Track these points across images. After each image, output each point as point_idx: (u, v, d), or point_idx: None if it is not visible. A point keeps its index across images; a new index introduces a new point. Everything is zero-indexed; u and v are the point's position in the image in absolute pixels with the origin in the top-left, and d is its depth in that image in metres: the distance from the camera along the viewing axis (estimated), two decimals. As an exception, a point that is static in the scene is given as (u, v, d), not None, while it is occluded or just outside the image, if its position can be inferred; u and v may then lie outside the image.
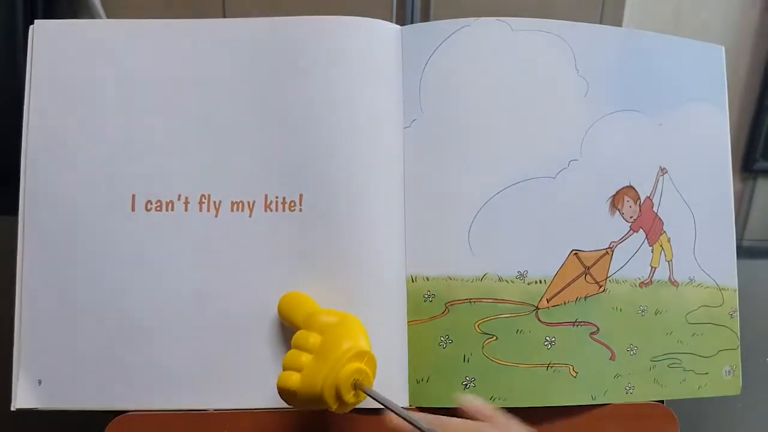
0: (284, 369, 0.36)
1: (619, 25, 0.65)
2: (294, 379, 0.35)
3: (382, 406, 0.34)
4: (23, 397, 0.42)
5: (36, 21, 0.43)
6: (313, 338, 0.36)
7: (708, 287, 0.45)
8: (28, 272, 0.42)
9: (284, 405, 0.40)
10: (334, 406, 0.35)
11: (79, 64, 0.42)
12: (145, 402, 0.41)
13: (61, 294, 0.42)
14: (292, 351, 0.37)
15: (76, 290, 0.42)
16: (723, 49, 0.46)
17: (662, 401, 0.44)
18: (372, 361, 0.37)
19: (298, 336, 0.37)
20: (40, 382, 0.42)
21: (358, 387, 0.35)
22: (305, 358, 0.36)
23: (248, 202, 0.41)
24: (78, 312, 0.42)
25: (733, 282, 0.46)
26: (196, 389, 0.41)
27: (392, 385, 0.42)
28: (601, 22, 0.65)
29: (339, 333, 0.37)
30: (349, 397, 0.35)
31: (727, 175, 0.46)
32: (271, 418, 0.41)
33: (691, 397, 0.45)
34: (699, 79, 0.46)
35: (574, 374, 0.43)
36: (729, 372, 0.45)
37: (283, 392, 0.36)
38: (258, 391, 0.41)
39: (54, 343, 0.42)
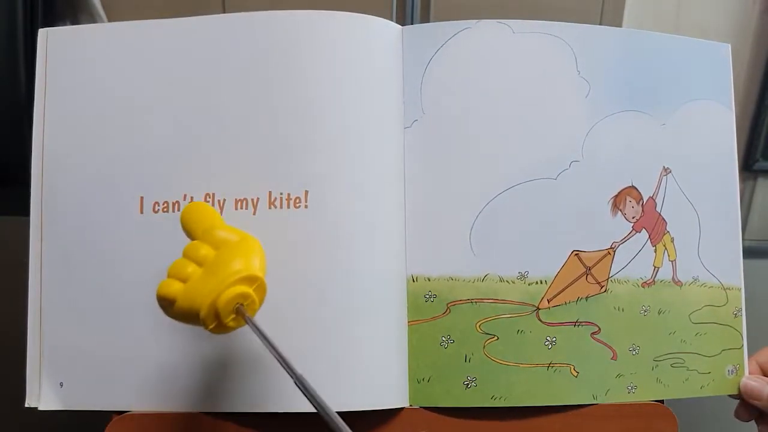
0: (168, 276, 0.34)
1: (619, 25, 0.65)
2: (175, 288, 0.33)
3: (258, 336, 0.33)
4: (46, 399, 0.42)
5: (48, 29, 0.43)
6: (205, 250, 0.34)
7: (712, 287, 0.45)
8: (47, 277, 0.43)
9: (287, 409, 0.40)
10: (210, 326, 0.33)
11: (89, 69, 0.43)
12: (161, 403, 0.41)
13: (77, 297, 0.42)
14: (180, 259, 0.34)
15: (91, 293, 0.42)
16: (729, 46, 0.46)
17: (662, 401, 0.44)
18: (262, 289, 0.34)
19: (190, 245, 0.34)
20: (61, 385, 0.42)
21: (239, 313, 0.33)
22: (192, 269, 0.33)
23: (252, 200, 0.41)
24: (94, 315, 0.42)
25: (738, 281, 0.46)
26: (205, 391, 0.41)
27: (393, 385, 0.42)
28: (600, 22, 0.65)
29: (233, 252, 0.34)
30: (228, 320, 0.33)
31: (733, 173, 0.46)
32: (273, 420, 0.41)
33: (693, 396, 0.45)
34: (704, 78, 0.46)
35: (575, 374, 0.43)
36: (732, 371, 0.45)
37: (161, 300, 0.33)
38: (264, 393, 0.41)
39: (73, 345, 0.42)
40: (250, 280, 0.33)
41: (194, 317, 0.33)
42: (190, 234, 0.37)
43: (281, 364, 0.32)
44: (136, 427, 0.41)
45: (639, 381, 0.44)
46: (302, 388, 0.30)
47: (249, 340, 0.41)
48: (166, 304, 0.33)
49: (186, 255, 0.34)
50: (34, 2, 0.59)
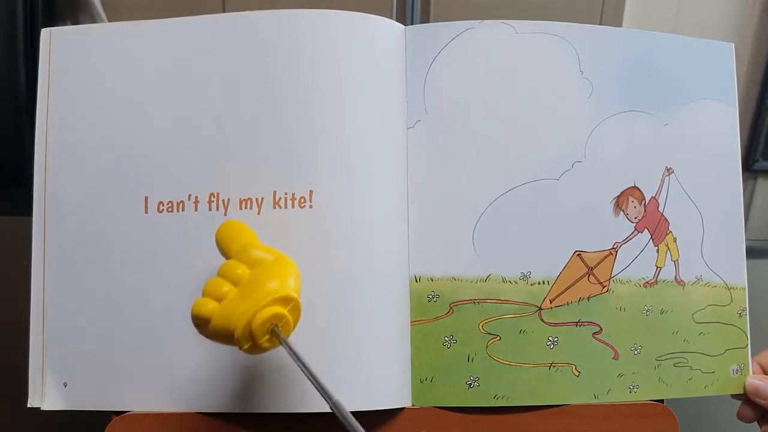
0: (203, 295, 0.33)
1: (619, 25, 0.65)
2: (210, 308, 0.32)
3: (293, 359, 0.32)
4: (50, 399, 0.42)
5: (51, 29, 0.43)
6: (241, 270, 0.34)
7: (716, 286, 0.45)
8: (51, 277, 0.43)
9: (287, 410, 0.40)
10: (245, 346, 0.33)
11: (92, 69, 0.43)
12: (165, 403, 0.41)
13: (81, 297, 0.42)
14: (215, 278, 0.34)
15: (95, 294, 0.42)
16: (732, 46, 0.46)
17: (662, 400, 0.44)
18: (297, 310, 0.34)
19: (226, 264, 0.34)
20: (65, 385, 0.42)
21: (274, 334, 0.32)
22: (227, 288, 0.33)
23: (257, 199, 0.41)
24: (97, 315, 0.42)
25: (742, 281, 0.46)
26: (210, 391, 0.41)
27: (395, 385, 0.42)
28: (601, 22, 0.65)
29: (269, 271, 0.34)
30: (263, 341, 0.32)
31: (737, 172, 0.46)
32: (272, 420, 0.41)
33: (697, 395, 0.45)
34: (707, 78, 0.46)
35: (577, 373, 0.43)
36: (737, 371, 0.45)
37: (196, 319, 0.33)
38: (265, 394, 0.41)
39: (76, 345, 0.42)
40: (285, 300, 0.33)
41: (229, 337, 0.32)
42: (225, 252, 0.37)
43: (316, 387, 0.31)
44: (135, 427, 0.41)
45: (641, 380, 0.44)
46: (339, 414, 0.30)
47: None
48: (201, 323, 0.33)
49: (221, 274, 0.34)
50: (34, 2, 0.59)
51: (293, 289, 0.34)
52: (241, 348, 0.33)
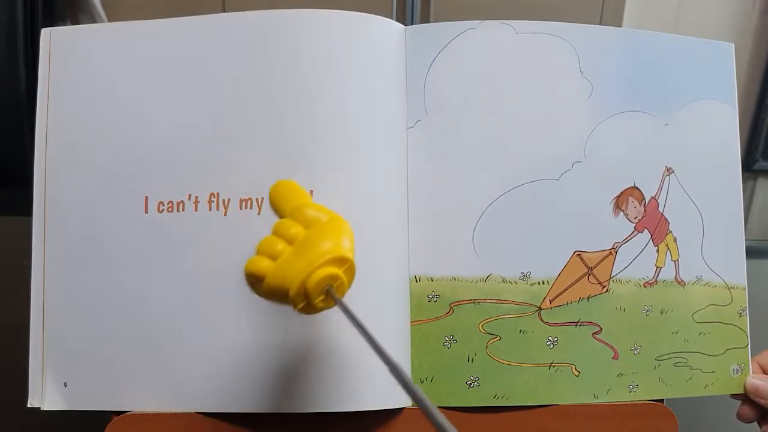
0: (257, 253, 0.33)
1: (619, 25, 0.65)
2: (265, 265, 0.32)
3: (348, 317, 0.32)
4: (50, 399, 0.42)
5: (51, 29, 0.43)
6: (296, 229, 0.33)
7: (716, 286, 0.45)
8: (51, 277, 0.43)
9: (291, 410, 0.40)
10: (299, 305, 0.32)
11: (92, 69, 0.43)
12: (166, 403, 0.41)
13: (81, 298, 0.42)
14: (269, 236, 0.34)
15: (95, 294, 0.42)
16: (732, 46, 0.46)
17: (662, 400, 0.44)
18: (351, 271, 0.33)
19: (281, 223, 0.34)
20: (65, 385, 0.42)
21: (329, 294, 0.32)
22: (282, 246, 0.33)
23: (256, 199, 0.41)
24: (97, 315, 0.42)
25: (742, 280, 0.46)
26: (210, 391, 0.41)
27: (395, 385, 0.42)
28: (600, 22, 0.65)
29: (324, 231, 0.34)
30: (317, 301, 0.32)
31: (737, 172, 0.46)
32: (274, 422, 0.41)
33: (697, 395, 0.45)
34: (707, 78, 0.46)
35: (577, 373, 0.43)
36: (737, 370, 0.45)
37: (250, 276, 0.33)
38: (264, 394, 0.41)
39: (77, 345, 0.42)
40: (341, 261, 0.33)
41: (283, 296, 0.32)
42: (278, 211, 0.36)
43: (373, 347, 0.30)
44: (135, 427, 0.41)
45: (641, 380, 0.44)
46: (396, 375, 0.29)
47: (249, 341, 0.41)
48: (254, 281, 0.33)
49: (276, 232, 0.34)
50: (34, 2, 0.59)
51: (348, 249, 0.33)
52: (295, 307, 0.32)
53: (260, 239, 0.34)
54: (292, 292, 0.32)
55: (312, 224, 0.34)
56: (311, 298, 0.32)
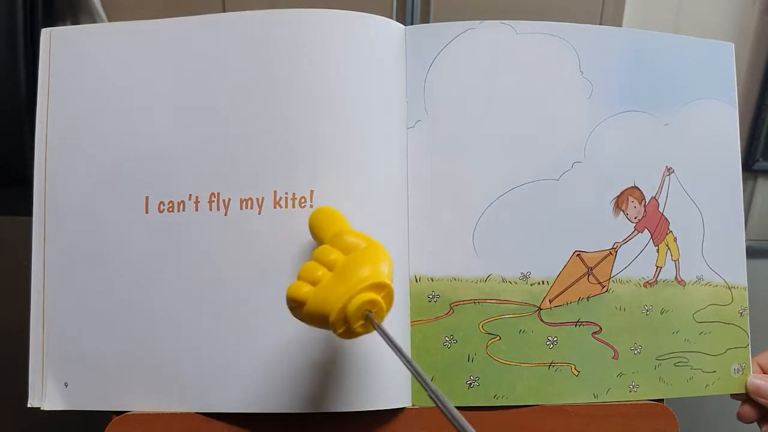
0: (298, 278, 0.34)
1: (619, 25, 0.65)
2: (306, 291, 0.33)
3: (388, 343, 0.32)
4: (51, 399, 0.42)
5: (52, 28, 0.43)
6: (335, 255, 0.34)
7: (717, 286, 0.45)
8: (51, 277, 0.43)
9: (290, 410, 0.40)
10: (339, 330, 0.33)
11: (92, 69, 0.43)
12: (166, 404, 0.41)
13: (82, 298, 0.42)
14: (310, 262, 0.34)
15: (95, 294, 0.42)
16: (732, 45, 0.46)
17: (662, 400, 0.44)
18: (390, 297, 0.34)
19: (321, 249, 0.35)
20: (66, 385, 0.42)
21: (368, 319, 0.33)
22: (322, 272, 0.34)
23: (257, 199, 0.41)
24: (98, 315, 0.42)
25: (742, 280, 0.46)
26: (210, 391, 0.41)
27: (395, 385, 0.42)
28: (600, 22, 0.65)
29: (363, 257, 0.34)
30: (357, 326, 0.33)
31: (737, 171, 0.46)
32: (274, 423, 0.41)
33: (697, 395, 0.45)
34: (707, 78, 0.46)
35: (576, 373, 0.43)
36: (738, 370, 0.45)
37: (291, 301, 0.34)
38: (264, 394, 0.41)
39: (77, 345, 0.42)
40: (379, 287, 0.33)
41: (324, 321, 0.33)
42: (318, 237, 0.37)
43: (411, 371, 0.31)
44: (135, 427, 0.41)
45: (641, 380, 0.44)
46: (434, 398, 0.29)
47: (248, 341, 0.41)
48: (296, 306, 0.34)
49: (316, 258, 0.34)
50: (34, 2, 0.59)
51: (387, 275, 0.34)
52: (335, 332, 0.33)
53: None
54: (332, 317, 0.32)
55: (351, 250, 0.35)
56: (351, 324, 0.33)
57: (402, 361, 0.31)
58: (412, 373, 0.31)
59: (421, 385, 0.30)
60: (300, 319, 0.34)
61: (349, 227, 0.38)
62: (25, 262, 0.43)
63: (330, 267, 0.34)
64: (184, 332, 0.41)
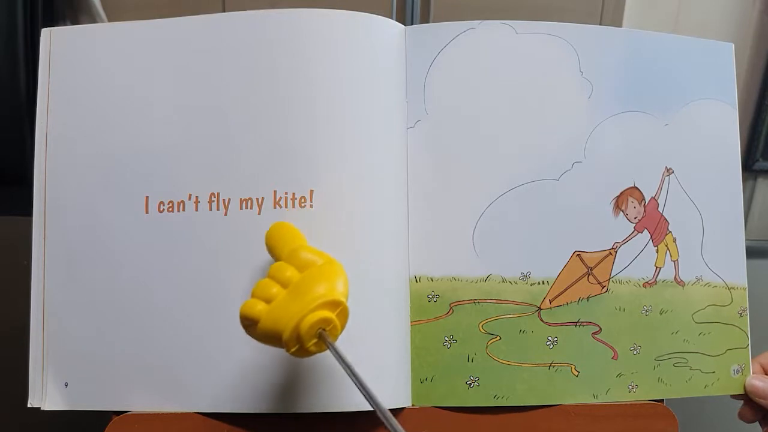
0: (252, 296, 0.34)
1: (619, 25, 0.65)
2: (259, 309, 0.33)
3: (340, 363, 0.32)
4: (51, 399, 0.42)
5: (52, 28, 0.43)
6: (291, 272, 0.34)
7: (716, 286, 0.45)
8: (51, 277, 0.43)
9: (289, 410, 0.40)
10: (291, 349, 0.33)
11: (92, 69, 0.43)
12: (167, 403, 0.41)
13: (82, 298, 0.42)
14: (265, 280, 0.34)
15: (95, 294, 0.42)
16: (732, 45, 0.46)
17: (662, 400, 0.44)
18: (344, 315, 0.34)
19: (276, 267, 0.35)
20: (66, 385, 0.42)
21: (321, 338, 0.33)
22: (276, 290, 0.33)
23: (257, 199, 0.41)
24: (98, 315, 0.42)
25: (742, 280, 0.46)
26: (210, 391, 0.41)
27: (395, 385, 0.42)
28: (600, 22, 0.65)
29: (318, 275, 0.34)
30: (310, 344, 0.33)
31: (737, 172, 0.46)
32: (274, 423, 0.41)
33: (697, 395, 0.45)
34: (707, 78, 0.46)
35: (576, 373, 0.43)
36: (737, 371, 0.45)
37: (244, 320, 0.33)
38: (263, 394, 0.41)
39: (77, 345, 0.42)
40: (334, 305, 0.33)
41: (276, 339, 0.33)
42: (274, 254, 0.37)
43: (362, 392, 0.31)
44: (135, 427, 0.41)
45: (640, 380, 0.44)
46: (385, 419, 0.30)
47: (248, 341, 0.41)
48: (249, 324, 0.34)
49: (271, 275, 0.34)
50: (34, 2, 0.59)
51: (342, 293, 0.34)
52: (288, 350, 0.33)
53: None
54: (285, 336, 0.32)
55: (307, 267, 0.34)
56: (304, 342, 0.32)
57: (354, 382, 0.31)
58: (364, 396, 0.31)
59: (370, 403, 0.30)
60: (253, 337, 0.34)
61: (306, 244, 0.37)
62: (25, 262, 0.43)
63: (285, 284, 0.34)
64: (184, 332, 0.41)
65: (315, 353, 0.33)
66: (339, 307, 0.33)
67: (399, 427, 0.29)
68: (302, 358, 0.34)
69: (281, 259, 0.36)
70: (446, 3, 0.65)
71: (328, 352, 0.33)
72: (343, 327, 0.34)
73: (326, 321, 0.33)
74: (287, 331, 0.32)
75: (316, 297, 0.32)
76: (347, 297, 0.34)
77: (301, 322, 0.32)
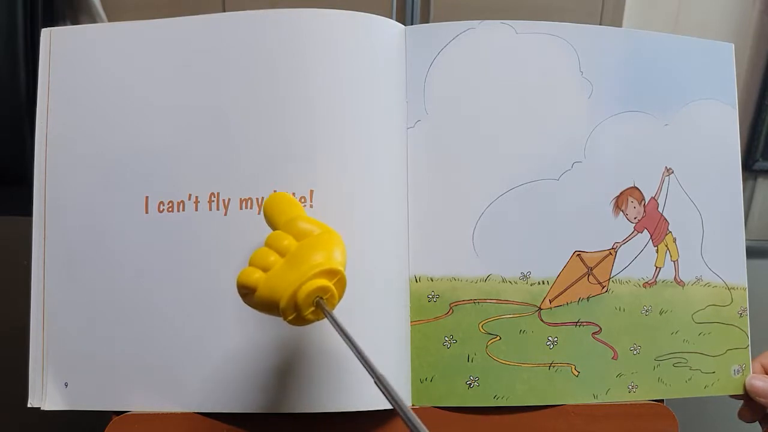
0: (249, 264, 0.33)
1: (619, 25, 0.65)
2: (256, 277, 0.33)
3: (337, 330, 0.32)
4: (51, 399, 0.42)
5: (52, 29, 0.43)
6: (288, 241, 0.34)
7: (716, 286, 0.45)
8: (51, 277, 0.43)
9: (288, 410, 0.40)
10: (289, 317, 0.33)
11: (92, 69, 0.43)
12: (167, 403, 0.41)
13: (81, 298, 0.42)
14: (262, 248, 0.34)
15: (95, 294, 0.42)
16: (732, 46, 0.46)
17: (662, 400, 0.44)
18: (342, 283, 0.34)
19: (273, 235, 0.34)
20: (66, 385, 0.42)
21: (319, 306, 0.32)
22: (274, 258, 0.33)
23: (257, 199, 0.41)
24: (98, 315, 0.42)
25: (742, 281, 0.46)
26: (210, 391, 0.41)
27: (395, 384, 0.42)
28: (600, 22, 0.65)
29: (316, 244, 0.34)
30: (307, 313, 0.32)
31: (737, 172, 0.46)
32: (273, 423, 0.41)
33: (697, 396, 0.45)
34: (707, 78, 0.46)
35: (576, 373, 0.43)
36: (738, 371, 0.45)
37: (242, 288, 0.33)
38: (264, 394, 0.41)
39: (77, 346, 0.42)
40: (331, 273, 0.33)
41: (274, 307, 0.32)
42: (272, 224, 0.37)
43: (360, 360, 0.31)
44: (135, 427, 0.41)
45: (640, 380, 0.44)
46: (382, 388, 0.29)
47: (248, 341, 0.41)
48: (246, 292, 0.33)
49: (268, 244, 0.34)
50: (34, 2, 0.59)
51: (339, 262, 0.34)
52: (285, 319, 0.33)
53: (255, 248, 0.34)
54: (282, 303, 0.32)
55: (304, 236, 0.34)
56: (301, 310, 0.32)
57: (352, 350, 0.31)
58: (362, 364, 0.30)
59: (368, 371, 0.30)
60: (251, 306, 0.34)
61: (304, 213, 0.37)
62: (25, 262, 0.43)
63: (282, 253, 0.33)
64: (184, 332, 0.41)
65: (312, 321, 0.33)
66: (337, 275, 0.33)
67: (399, 397, 0.28)
68: (300, 326, 0.34)
69: (279, 228, 0.36)
70: (446, 3, 0.65)
71: (326, 322, 0.33)
72: (340, 296, 0.34)
73: (324, 289, 0.32)
74: (284, 299, 0.32)
75: (314, 265, 0.32)
76: (345, 266, 0.34)
77: (299, 290, 0.32)
